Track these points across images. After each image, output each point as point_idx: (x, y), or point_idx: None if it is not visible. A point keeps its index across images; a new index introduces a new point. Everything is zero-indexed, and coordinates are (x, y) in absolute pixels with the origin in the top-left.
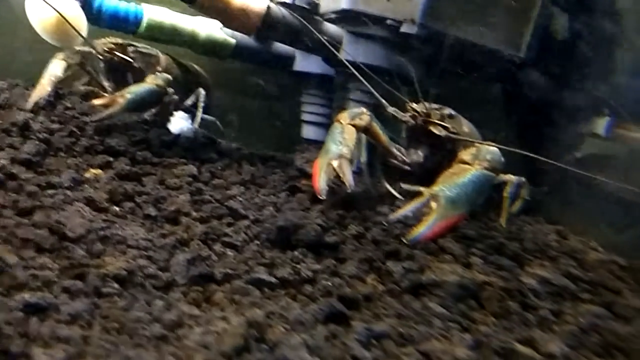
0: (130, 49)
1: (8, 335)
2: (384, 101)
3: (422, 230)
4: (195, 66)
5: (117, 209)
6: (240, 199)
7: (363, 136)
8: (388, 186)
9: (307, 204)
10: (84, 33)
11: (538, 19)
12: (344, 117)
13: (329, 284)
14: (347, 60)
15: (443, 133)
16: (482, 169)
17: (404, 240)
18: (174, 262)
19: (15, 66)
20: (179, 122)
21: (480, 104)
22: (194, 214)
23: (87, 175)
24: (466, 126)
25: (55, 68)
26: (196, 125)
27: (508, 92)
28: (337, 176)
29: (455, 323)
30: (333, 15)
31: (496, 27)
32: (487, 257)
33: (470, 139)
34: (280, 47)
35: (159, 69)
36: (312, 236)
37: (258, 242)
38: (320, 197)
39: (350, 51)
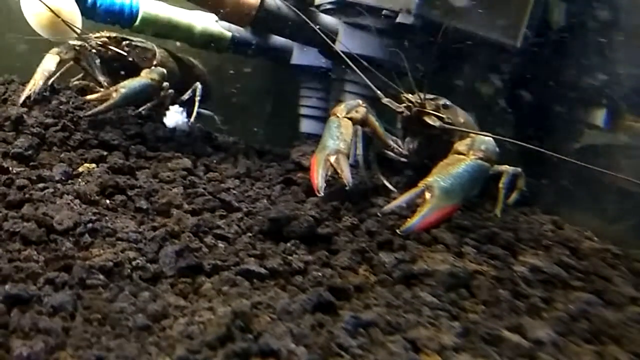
0: (125, 42)
1: None
2: (378, 92)
3: (415, 220)
4: (192, 60)
5: (107, 202)
6: (234, 191)
7: (359, 128)
8: (383, 179)
9: (302, 196)
10: (79, 27)
11: (534, 8)
12: (340, 110)
13: (320, 274)
14: (342, 52)
15: (437, 123)
16: (477, 159)
17: (398, 232)
18: (162, 254)
19: (12, 62)
20: (174, 116)
21: (476, 95)
22: (186, 206)
23: (81, 169)
24: (462, 116)
25: (49, 63)
26: (192, 120)
27: (504, 82)
28: (335, 172)
29: (444, 311)
30: (329, 6)
31: (492, 16)
32: (480, 246)
33: (465, 129)
34: (277, 40)
35: (155, 62)
36: (305, 228)
37: (250, 234)
38: (318, 194)
39: (346, 42)
